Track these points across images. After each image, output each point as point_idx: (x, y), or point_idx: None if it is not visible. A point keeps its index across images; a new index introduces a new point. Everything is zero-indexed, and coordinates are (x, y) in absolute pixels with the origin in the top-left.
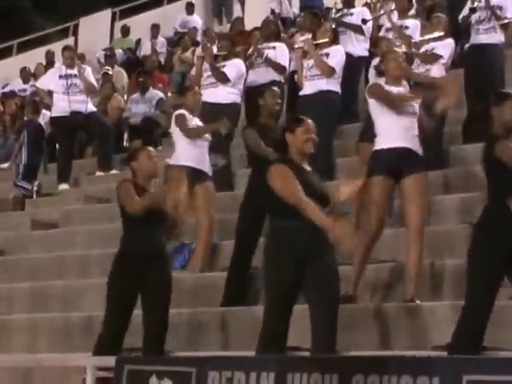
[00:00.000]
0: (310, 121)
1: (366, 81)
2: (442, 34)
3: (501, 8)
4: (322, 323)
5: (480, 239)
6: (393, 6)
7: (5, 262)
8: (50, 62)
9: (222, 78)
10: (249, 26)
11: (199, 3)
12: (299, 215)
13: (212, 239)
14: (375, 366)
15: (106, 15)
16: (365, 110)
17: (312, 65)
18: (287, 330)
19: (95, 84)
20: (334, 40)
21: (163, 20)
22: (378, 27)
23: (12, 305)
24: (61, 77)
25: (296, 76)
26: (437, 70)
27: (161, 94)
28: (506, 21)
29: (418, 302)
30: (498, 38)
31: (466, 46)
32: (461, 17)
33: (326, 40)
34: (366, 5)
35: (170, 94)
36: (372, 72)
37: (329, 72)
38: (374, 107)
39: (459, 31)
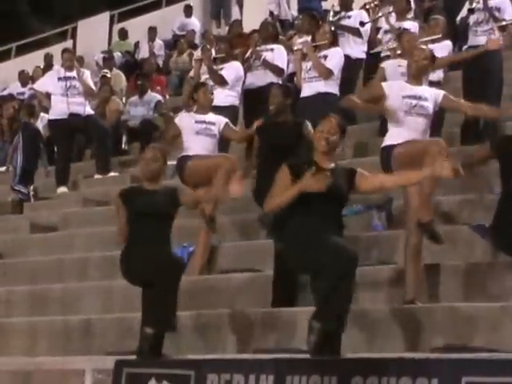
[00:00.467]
0: (326, 119)
1: (366, 82)
2: (439, 35)
3: (499, 9)
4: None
5: None
6: (391, 8)
7: (4, 265)
8: (48, 65)
9: (220, 81)
10: (247, 28)
11: (197, 6)
12: (312, 212)
13: (210, 241)
14: (374, 368)
15: (104, 18)
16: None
17: (310, 67)
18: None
19: (93, 87)
20: (333, 42)
21: (161, 23)
22: (376, 29)
23: (11, 308)
24: (60, 79)
25: (295, 78)
26: (435, 72)
27: (159, 97)
28: (504, 23)
29: (418, 303)
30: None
31: (464, 47)
32: (458, 18)
33: (325, 42)
34: (364, 8)
35: (168, 97)
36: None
37: (326, 74)
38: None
39: (457, 33)
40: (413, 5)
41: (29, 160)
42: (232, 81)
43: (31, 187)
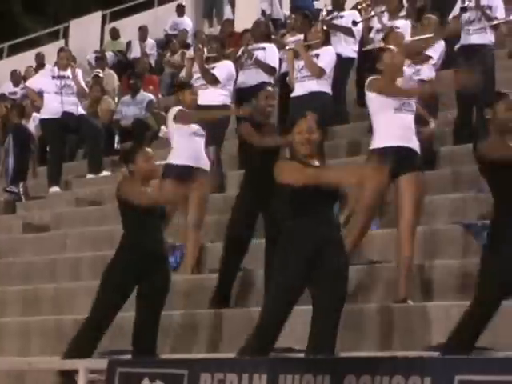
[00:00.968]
0: (302, 119)
1: (359, 81)
2: (432, 34)
3: (490, 8)
4: (323, 325)
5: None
6: (383, 8)
7: None
8: (40, 65)
9: (212, 80)
10: (239, 27)
11: (190, 5)
12: (308, 213)
13: (200, 240)
14: (367, 367)
15: (96, 18)
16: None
17: (302, 66)
18: (280, 331)
19: (85, 88)
20: (326, 41)
21: (154, 22)
22: (368, 29)
23: (4, 308)
24: (54, 77)
25: (288, 77)
26: (427, 71)
27: (151, 96)
28: (495, 21)
29: (410, 302)
30: (488, 38)
31: (457, 46)
32: (450, 17)
33: (317, 41)
34: (356, 9)
35: (160, 96)
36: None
37: (318, 73)
38: (373, 102)
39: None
40: (405, 4)
41: (19, 160)
42: (224, 80)
43: (21, 184)
